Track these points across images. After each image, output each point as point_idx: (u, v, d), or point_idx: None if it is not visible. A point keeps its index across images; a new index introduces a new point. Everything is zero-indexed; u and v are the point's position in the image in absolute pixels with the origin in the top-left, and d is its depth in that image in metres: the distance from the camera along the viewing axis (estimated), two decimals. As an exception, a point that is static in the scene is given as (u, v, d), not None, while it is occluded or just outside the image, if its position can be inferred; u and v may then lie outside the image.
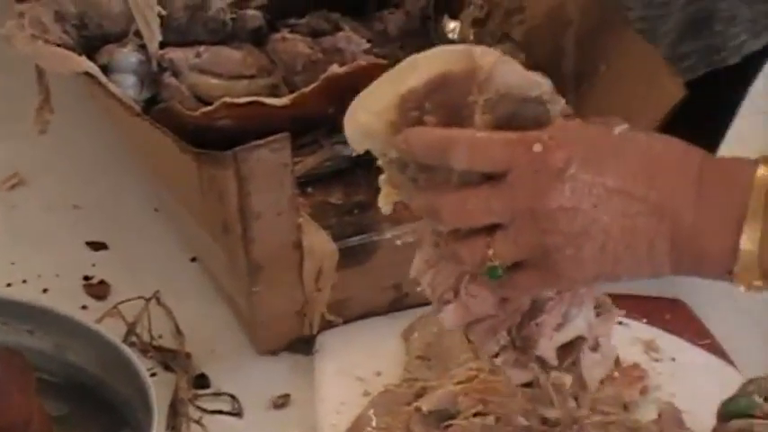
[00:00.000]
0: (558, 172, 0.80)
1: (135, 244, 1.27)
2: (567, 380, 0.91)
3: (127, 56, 1.22)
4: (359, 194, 1.19)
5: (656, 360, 1.12)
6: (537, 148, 0.80)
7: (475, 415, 1.01)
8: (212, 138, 1.08)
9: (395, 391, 1.06)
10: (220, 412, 1.09)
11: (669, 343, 1.13)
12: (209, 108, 1.15)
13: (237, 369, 1.13)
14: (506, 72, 0.83)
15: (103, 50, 1.23)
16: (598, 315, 0.91)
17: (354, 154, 0.89)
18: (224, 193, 1.04)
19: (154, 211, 1.30)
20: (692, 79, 1.27)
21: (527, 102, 0.83)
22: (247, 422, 1.09)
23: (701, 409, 1.01)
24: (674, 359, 1.12)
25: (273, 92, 1.24)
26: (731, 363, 1.12)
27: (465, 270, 0.86)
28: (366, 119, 0.85)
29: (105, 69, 1.19)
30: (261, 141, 1.02)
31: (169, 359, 1.13)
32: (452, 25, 1.32)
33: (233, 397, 1.10)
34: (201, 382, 1.12)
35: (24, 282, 1.22)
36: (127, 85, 1.21)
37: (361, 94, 0.86)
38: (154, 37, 1.23)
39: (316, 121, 1.19)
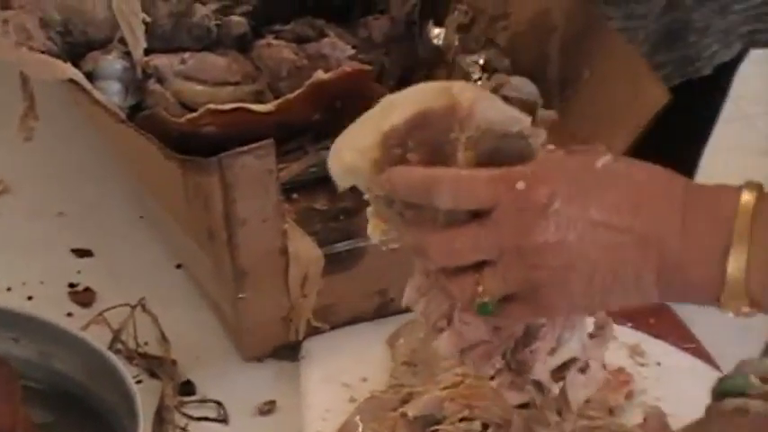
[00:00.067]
0: (542, 208, 0.81)
1: (120, 251, 1.27)
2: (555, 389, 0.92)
3: (112, 63, 1.22)
4: (344, 200, 1.18)
5: (642, 364, 1.12)
6: (520, 185, 0.81)
7: (461, 420, 1.01)
8: (197, 144, 1.07)
9: (381, 397, 1.06)
10: (206, 419, 1.09)
11: (654, 347, 1.13)
12: (194, 115, 1.15)
13: (223, 376, 1.13)
14: (486, 108, 0.83)
15: (88, 57, 1.23)
16: (592, 337, 0.92)
17: (341, 190, 0.89)
18: (209, 200, 1.04)
19: (139, 218, 1.30)
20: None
21: (508, 137, 0.83)
22: (233, 429, 1.09)
23: (686, 412, 1.01)
24: (659, 363, 1.12)
25: (258, 98, 1.24)
26: (716, 367, 1.12)
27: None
28: (350, 157, 0.85)
29: (90, 76, 1.19)
30: (246, 148, 1.02)
31: (155, 366, 1.13)
32: (437, 31, 1.32)
33: (219, 404, 1.10)
34: (187, 388, 1.12)
35: (9, 289, 1.21)
36: (112, 92, 1.21)
37: (344, 132, 0.87)
38: (138, 44, 1.23)
39: (301, 128, 1.19)
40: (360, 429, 1.04)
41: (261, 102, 1.20)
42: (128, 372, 0.99)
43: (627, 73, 1.19)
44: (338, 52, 1.27)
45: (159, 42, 1.26)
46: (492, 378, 0.92)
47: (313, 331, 1.14)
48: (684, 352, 1.14)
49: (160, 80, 1.24)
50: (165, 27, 1.27)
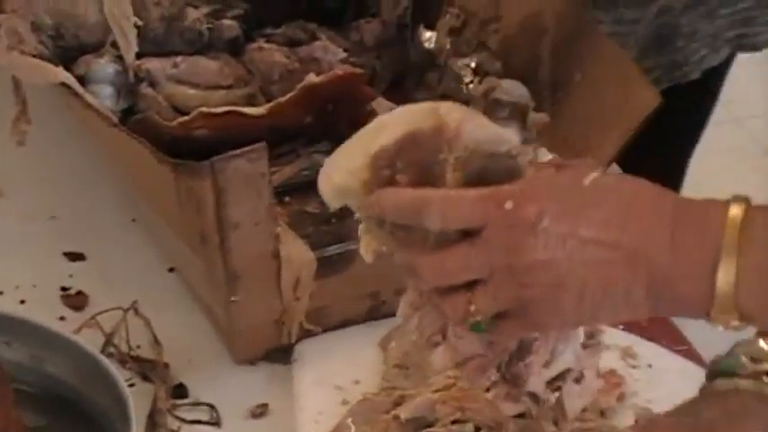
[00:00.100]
0: (531, 226, 0.81)
1: (113, 254, 1.26)
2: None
3: (104, 66, 1.22)
4: None
5: (633, 367, 1.12)
6: (508, 205, 0.82)
7: (453, 422, 1.01)
8: (189, 148, 1.07)
9: (373, 399, 1.06)
10: (199, 422, 1.09)
11: (646, 349, 1.13)
12: (186, 118, 1.15)
13: (216, 379, 1.13)
14: (474, 129, 0.84)
15: (80, 61, 1.23)
16: (585, 347, 0.92)
17: (332, 210, 0.90)
18: (201, 204, 1.04)
19: (131, 222, 1.30)
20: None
21: (496, 156, 0.84)
22: None
23: (677, 415, 1.01)
24: (650, 366, 1.12)
25: (250, 101, 1.24)
26: (708, 369, 1.13)
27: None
28: (340, 178, 0.86)
29: (82, 80, 1.19)
30: (238, 151, 1.02)
31: (147, 369, 1.13)
32: (428, 34, 1.32)
33: (211, 407, 1.10)
34: (180, 392, 1.11)
35: (1, 293, 1.21)
36: (104, 96, 1.21)
37: (333, 154, 0.88)
38: (131, 47, 1.23)
39: (293, 131, 1.19)
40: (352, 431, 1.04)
41: (253, 105, 1.20)
42: (120, 375, 0.99)
43: (618, 76, 1.19)
44: (330, 56, 1.27)
45: (151, 46, 1.26)
46: (488, 390, 0.93)
47: (305, 334, 1.14)
48: (676, 354, 1.14)
49: (152, 84, 1.24)
50: (157, 31, 1.27)
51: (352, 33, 1.33)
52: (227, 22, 1.30)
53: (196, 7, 1.29)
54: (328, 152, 1.19)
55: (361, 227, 0.88)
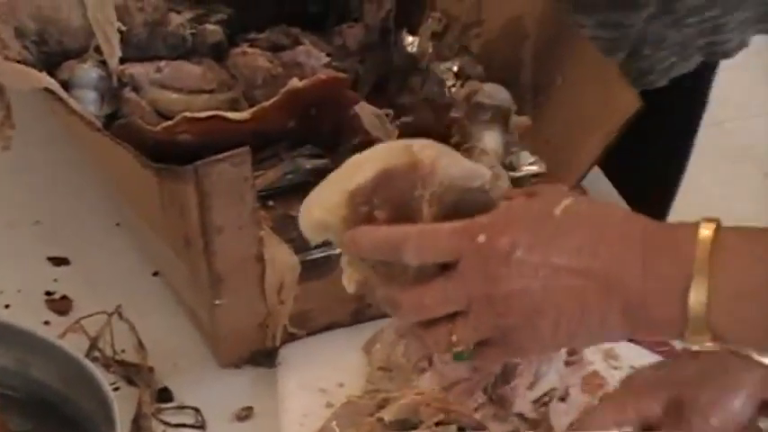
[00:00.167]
0: (504, 256, 0.83)
1: (97, 259, 1.26)
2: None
3: (87, 71, 1.22)
4: None
5: (616, 368, 1.12)
6: (481, 238, 0.83)
7: (437, 424, 1.02)
8: (173, 152, 1.07)
9: (357, 402, 1.07)
10: (184, 425, 1.09)
11: (628, 351, 1.14)
12: (170, 123, 1.14)
13: (200, 382, 1.13)
14: (448, 165, 0.86)
15: (64, 66, 1.23)
16: (568, 364, 0.94)
17: (313, 245, 0.91)
18: (185, 208, 1.04)
19: (115, 226, 1.30)
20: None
21: (470, 191, 0.86)
22: None
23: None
24: (632, 367, 1.12)
25: (234, 106, 1.24)
26: (689, 370, 1.13)
27: None
28: (320, 214, 0.87)
29: (66, 85, 1.19)
30: (221, 155, 1.02)
31: (132, 373, 1.13)
32: (411, 39, 1.33)
33: (196, 410, 1.10)
34: (164, 395, 1.12)
35: (-14, 298, 1.21)
36: (87, 101, 1.21)
37: (312, 192, 0.89)
38: (114, 53, 1.23)
39: (276, 135, 1.19)
40: (336, 434, 1.04)
41: (236, 110, 1.20)
42: (105, 379, 0.99)
43: (599, 79, 1.20)
44: (313, 60, 1.27)
45: (135, 51, 1.26)
46: (476, 410, 0.94)
47: (290, 337, 1.14)
48: (658, 355, 1.14)
49: (136, 89, 1.24)
50: (141, 36, 1.27)
51: (335, 38, 1.33)
52: (210, 27, 1.30)
53: (179, 12, 1.29)
54: (311, 156, 1.20)
55: (343, 259, 0.89)
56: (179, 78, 1.25)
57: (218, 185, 1.03)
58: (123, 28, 1.24)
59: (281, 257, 1.10)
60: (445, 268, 0.85)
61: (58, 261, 1.26)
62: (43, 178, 1.35)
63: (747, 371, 0.92)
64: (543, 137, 1.23)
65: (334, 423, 1.05)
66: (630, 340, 1.15)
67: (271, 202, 1.19)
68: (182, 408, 1.11)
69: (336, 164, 1.18)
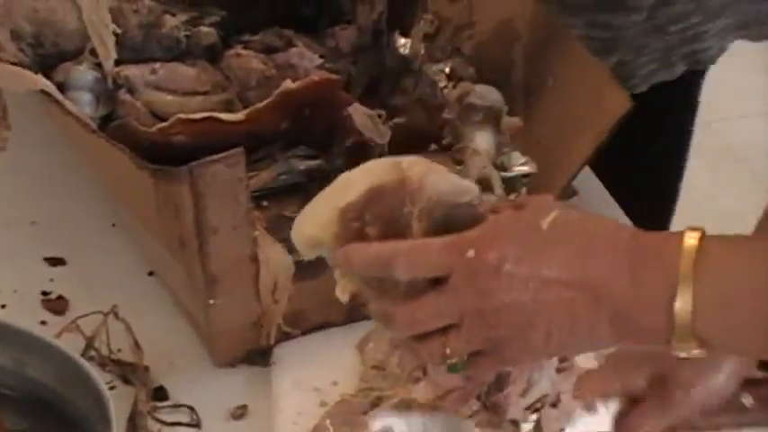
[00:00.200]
0: (494, 270, 0.84)
1: (93, 259, 1.26)
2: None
3: (83, 73, 1.22)
4: None
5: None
6: (470, 253, 0.84)
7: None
8: (168, 154, 1.07)
9: (351, 400, 1.07)
10: (179, 424, 1.10)
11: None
12: (165, 124, 1.14)
13: (196, 381, 1.14)
14: (436, 181, 0.87)
15: (60, 68, 1.23)
16: (559, 371, 0.95)
17: (306, 260, 0.92)
18: (180, 208, 1.04)
19: (111, 227, 1.30)
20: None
21: (459, 206, 0.87)
22: None
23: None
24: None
25: (228, 107, 1.24)
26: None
27: None
28: (312, 231, 0.89)
29: (61, 87, 1.19)
30: (216, 156, 1.02)
31: (128, 372, 1.13)
32: (403, 41, 1.33)
33: (191, 409, 1.11)
34: (160, 394, 1.12)
35: (-17, 298, 1.21)
36: (83, 103, 1.21)
37: (304, 209, 0.90)
38: (109, 55, 1.23)
39: (270, 136, 1.19)
40: (330, 432, 1.04)
41: (230, 111, 1.20)
42: (101, 378, 0.99)
43: (589, 80, 1.20)
44: (306, 62, 1.27)
45: (130, 53, 1.26)
46: (470, 417, 0.95)
47: (284, 337, 1.14)
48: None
49: (131, 90, 1.24)
50: (136, 38, 1.27)
51: (327, 40, 1.33)
52: (204, 29, 1.30)
53: (174, 15, 1.29)
54: (305, 157, 1.20)
55: (336, 271, 0.90)
56: (174, 80, 1.25)
57: (213, 186, 1.03)
58: (118, 30, 1.24)
59: (276, 257, 1.10)
60: (436, 282, 0.86)
61: (55, 261, 1.26)
62: (40, 179, 1.36)
63: None
64: (534, 137, 1.23)
65: (328, 421, 1.05)
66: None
67: (265, 203, 1.19)
68: (177, 406, 1.11)
69: (330, 164, 1.20)
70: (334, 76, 1.22)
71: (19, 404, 1.04)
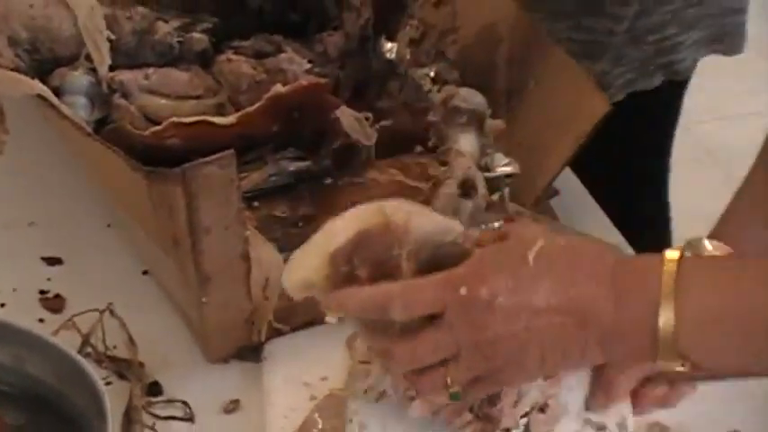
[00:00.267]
0: (487, 305, 0.86)
1: (89, 258, 1.27)
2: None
3: (78, 78, 1.22)
4: (303, 208, 1.20)
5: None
6: (463, 290, 0.87)
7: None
8: (161, 156, 1.07)
9: (339, 394, 1.07)
10: (173, 418, 1.10)
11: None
12: (158, 128, 1.14)
13: (189, 376, 1.14)
14: (421, 224, 0.89)
15: (55, 73, 1.23)
16: (546, 378, 0.97)
17: (296, 300, 0.94)
18: (173, 209, 1.04)
19: (107, 227, 1.31)
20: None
21: (444, 245, 0.89)
22: (199, 427, 1.10)
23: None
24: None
25: (220, 111, 1.24)
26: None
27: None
28: (304, 274, 0.90)
29: (57, 92, 1.19)
30: (208, 159, 1.02)
31: (123, 368, 1.13)
32: (389, 46, 1.33)
33: (185, 403, 1.11)
34: (154, 389, 1.12)
35: (-18, 297, 1.21)
36: (78, 107, 1.21)
37: (294, 254, 0.91)
38: (104, 60, 1.23)
39: (260, 139, 1.19)
40: (320, 426, 1.05)
41: (222, 114, 1.21)
42: (97, 374, 0.99)
43: (570, 83, 1.21)
44: (295, 66, 1.27)
45: (124, 58, 1.26)
46: (464, 427, 0.97)
47: (275, 333, 1.15)
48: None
49: (125, 95, 1.24)
50: (130, 44, 1.27)
51: (316, 45, 1.33)
52: (196, 35, 1.30)
53: (167, 21, 1.29)
54: (294, 158, 1.20)
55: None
56: (167, 84, 1.25)
57: (205, 187, 1.03)
58: (112, 36, 1.24)
59: (267, 256, 1.11)
60: (429, 317, 0.89)
61: (52, 261, 1.26)
62: (37, 181, 1.36)
63: None
64: (516, 139, 1.24)
65: (317, 415, 1.06)
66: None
67: (256, 203, 1.19)
68: (171, 401, 1.11)
69: (318, 165, 1.21)
70: (322, 81, 1.22)
71: (17, 400, 1.04)
